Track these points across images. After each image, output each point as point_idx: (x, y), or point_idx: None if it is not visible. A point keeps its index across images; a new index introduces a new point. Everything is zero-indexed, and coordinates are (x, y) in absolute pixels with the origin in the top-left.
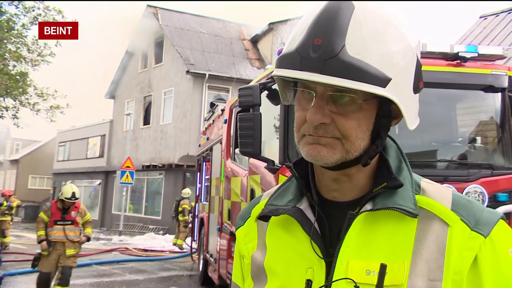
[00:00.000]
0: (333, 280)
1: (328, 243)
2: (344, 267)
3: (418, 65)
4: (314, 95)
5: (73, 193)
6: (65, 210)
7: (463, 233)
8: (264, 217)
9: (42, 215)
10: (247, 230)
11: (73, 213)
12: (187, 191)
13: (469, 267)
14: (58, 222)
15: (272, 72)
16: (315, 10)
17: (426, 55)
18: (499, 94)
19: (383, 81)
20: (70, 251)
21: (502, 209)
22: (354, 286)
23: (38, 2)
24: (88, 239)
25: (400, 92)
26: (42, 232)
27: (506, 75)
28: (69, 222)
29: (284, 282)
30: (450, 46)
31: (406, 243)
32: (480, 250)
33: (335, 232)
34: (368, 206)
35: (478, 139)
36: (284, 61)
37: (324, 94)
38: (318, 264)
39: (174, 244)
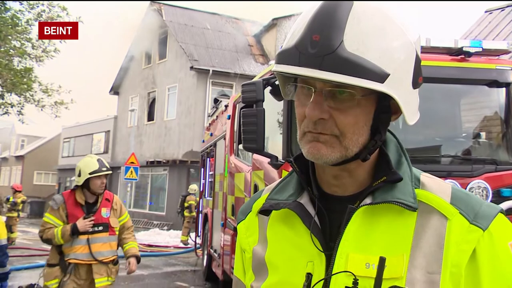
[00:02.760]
0: (333, 273)
1: (328, 236)
2: (344, 260)
3: (418, 61)
4: (313, 90)
5: (100, 161)
6: (90, 206)
7: (462, 226)
8: (265, 212)
9: (49, 216)
10: (248, 224)
11: (104, 211)
12: (193, 187)
13: (467, 260)
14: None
15: None
16: (315, 6)
17: (430, 50)
18: (504, 89)
19: (381, 77)
20: (101, 281)
21: (506, 205)
22: (354, 279)
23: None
24: (138, 260)
25: (398, 87)
26: (51, 232)
27: (511, 69)
28: (99, 228)
29: (285, 276)
30: (454, 41)
31: (405, 236)
32: (479, 243)
33: (335, 226)
34: (367, 200)
35: (482, 134)
36: (283, 56)
37: (322, 90)
38: (318, 257)
39: (182, 241)
